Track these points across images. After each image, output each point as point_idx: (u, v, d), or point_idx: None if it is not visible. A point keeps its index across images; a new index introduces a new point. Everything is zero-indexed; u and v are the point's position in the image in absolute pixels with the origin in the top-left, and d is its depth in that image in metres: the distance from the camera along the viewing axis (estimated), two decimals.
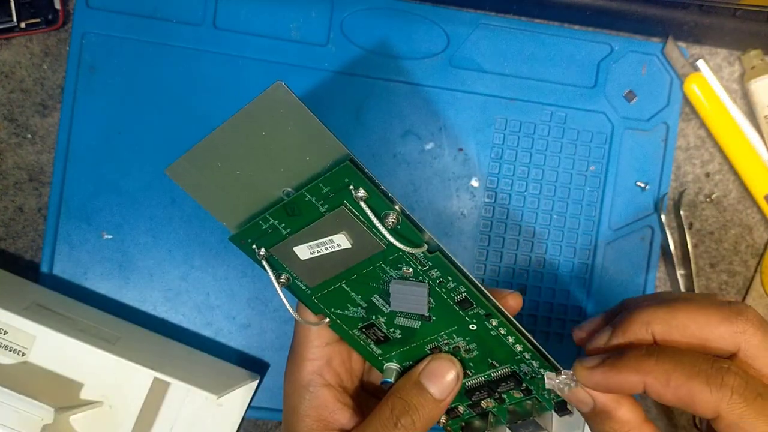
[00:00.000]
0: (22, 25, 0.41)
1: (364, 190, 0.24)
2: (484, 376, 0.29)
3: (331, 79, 0.43)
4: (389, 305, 0.27)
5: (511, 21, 0.44)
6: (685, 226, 0.44)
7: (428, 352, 0.29)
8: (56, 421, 0.34)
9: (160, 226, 0.42)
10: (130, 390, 0.37)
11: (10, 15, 0.41)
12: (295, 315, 0.28)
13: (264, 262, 0.27)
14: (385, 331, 0.28)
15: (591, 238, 0.44)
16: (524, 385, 0.28)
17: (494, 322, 0.27)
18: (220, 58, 0.42)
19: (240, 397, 0.41)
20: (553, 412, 0.29)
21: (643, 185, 0.44)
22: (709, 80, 0.43)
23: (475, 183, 0.44)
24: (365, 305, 0.28)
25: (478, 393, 0.29)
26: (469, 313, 0.27)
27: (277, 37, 0.43)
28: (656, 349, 0.24)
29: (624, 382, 0.24)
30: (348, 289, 0.27)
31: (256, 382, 0.42)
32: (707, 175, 0.45)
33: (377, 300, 0.27)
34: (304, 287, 0.28)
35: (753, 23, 0.42)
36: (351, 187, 0.24)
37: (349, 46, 0.43)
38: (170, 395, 0.40)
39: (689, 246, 0.44)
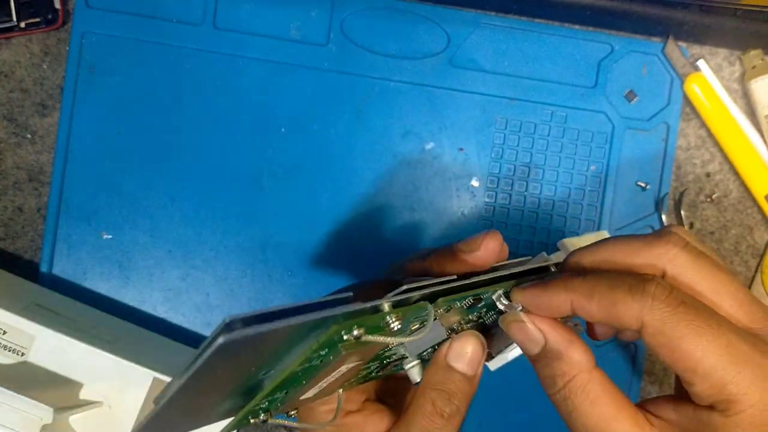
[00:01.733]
0: (22, 24, 0.41)
1: (358, 327, 0.21)
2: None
3: (331, 79, 0.43)
4: (403, 360, 0.26)
5: (511, 21, 0.44)
6: (685, 226, 0.44)
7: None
8: (55, 421, 0.34)
9: (160, 226, 0.42)
10: (129, 390, 0.37)
11: (10, 15, 0.41)
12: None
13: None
14: (401, 356, 0.27)
15: None
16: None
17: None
18: (220, 58, 0.42)
19: None
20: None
21: (643, 185, 0.44)
22: (709, 80, 0.43)
23: (475, 183, 0.44)
24: (376, 366, 0.26)
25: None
26: (479, 306, 0.26)
27: (277, 37, 0.43)
28: (585, 271, 0.24)
29: (552, 298, 0.24)
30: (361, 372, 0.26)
31: None
32: (708, 175, 0.45)
33: (387, 361, 0.26)
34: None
35: (753, 23, 0.42)
36: (344, 335, 0.21)
37: (349, 46, 0.43)
38: None
39: None
